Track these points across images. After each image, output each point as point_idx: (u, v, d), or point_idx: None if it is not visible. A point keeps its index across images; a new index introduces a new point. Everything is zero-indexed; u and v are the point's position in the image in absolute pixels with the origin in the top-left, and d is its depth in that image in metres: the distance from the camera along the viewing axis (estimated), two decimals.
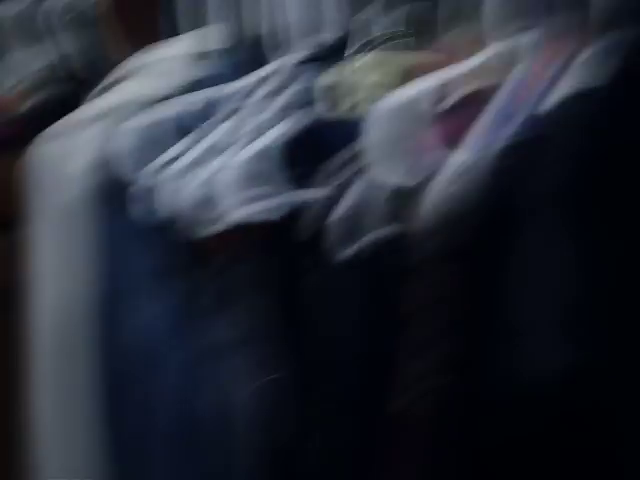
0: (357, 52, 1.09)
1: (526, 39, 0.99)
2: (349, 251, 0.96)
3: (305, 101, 1.09)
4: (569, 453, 0.83)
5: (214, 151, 1.08)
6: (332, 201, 0.98)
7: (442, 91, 0.96)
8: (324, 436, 1.02)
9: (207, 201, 1.05)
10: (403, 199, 0.93)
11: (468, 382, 0.87)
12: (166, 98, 1.14)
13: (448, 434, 0.89)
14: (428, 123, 0.95)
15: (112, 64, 1.27)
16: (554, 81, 0.90)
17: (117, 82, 1.22)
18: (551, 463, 0.83)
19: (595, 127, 0.82)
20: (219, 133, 1.10)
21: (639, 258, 0.81)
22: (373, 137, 0.91)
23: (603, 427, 0.81)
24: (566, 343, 0.80)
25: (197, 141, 1.10)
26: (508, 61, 0.96)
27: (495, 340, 0.83)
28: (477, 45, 0.99)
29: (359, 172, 0.94)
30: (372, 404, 0.96)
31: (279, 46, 1.16)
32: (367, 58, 1.07)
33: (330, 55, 1.12)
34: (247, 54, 1.18)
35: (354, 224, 0.96)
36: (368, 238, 0.95)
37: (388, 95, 0.94)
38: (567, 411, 0.81)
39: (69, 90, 1.42)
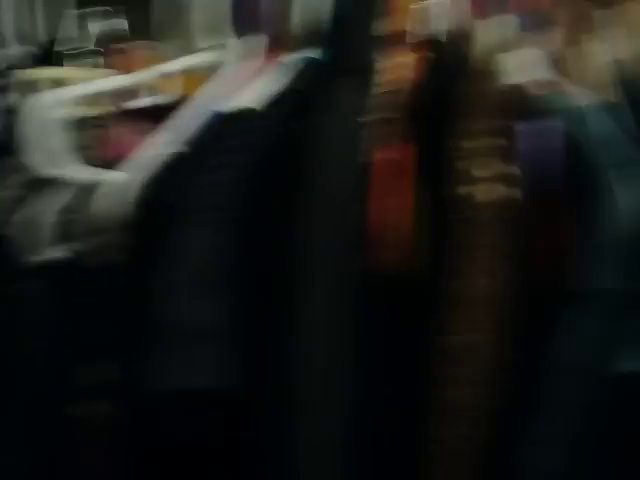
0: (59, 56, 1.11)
1: (216, 55, 1.03)
2: (33, 256, 0.96)
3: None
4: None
5: None
6: (17, 201, 0.98)
7: (119, 98, 0.99)
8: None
9: None
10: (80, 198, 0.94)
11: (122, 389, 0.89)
12: None
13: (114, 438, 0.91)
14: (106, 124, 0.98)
15: None
16: (229, 97, 0.93)
17: None
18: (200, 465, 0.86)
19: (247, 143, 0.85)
20: None
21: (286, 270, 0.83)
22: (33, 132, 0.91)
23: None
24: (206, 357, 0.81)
25: None
26: (194, 75, 1.00)
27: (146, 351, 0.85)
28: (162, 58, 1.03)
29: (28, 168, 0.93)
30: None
31: None
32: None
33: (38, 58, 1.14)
34: None
35: (37, 226, 0.96)
36: (51, 244, 0.95)
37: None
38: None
39: None
